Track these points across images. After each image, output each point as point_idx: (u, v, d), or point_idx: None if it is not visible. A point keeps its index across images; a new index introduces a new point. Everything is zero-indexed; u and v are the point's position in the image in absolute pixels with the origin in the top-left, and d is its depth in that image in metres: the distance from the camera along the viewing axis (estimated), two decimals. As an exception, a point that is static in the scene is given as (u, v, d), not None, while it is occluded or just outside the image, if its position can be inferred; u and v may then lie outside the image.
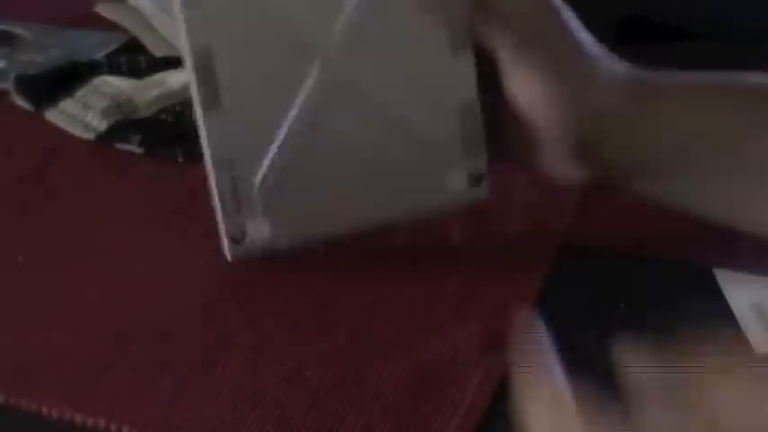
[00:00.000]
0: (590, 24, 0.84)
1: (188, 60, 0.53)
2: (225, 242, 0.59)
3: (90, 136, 0.84)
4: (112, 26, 1.00)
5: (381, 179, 0.55)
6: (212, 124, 0.53)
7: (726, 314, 0.65)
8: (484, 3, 0.54)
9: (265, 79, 0.53)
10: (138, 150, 0.82)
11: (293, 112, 0.53)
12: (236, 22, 0.53)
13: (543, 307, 0.66)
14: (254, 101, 0.53)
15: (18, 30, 1.00)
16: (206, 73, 0.52)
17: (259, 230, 0.55)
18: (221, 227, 0.59)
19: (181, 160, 0.80)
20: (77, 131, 0.85)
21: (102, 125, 0.84)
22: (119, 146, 0.83)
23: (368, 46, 0.55)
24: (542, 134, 0.55)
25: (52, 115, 0.87)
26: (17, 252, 0.70)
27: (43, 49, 0.96)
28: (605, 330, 0.64)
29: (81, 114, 0.85)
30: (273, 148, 0.54)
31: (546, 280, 0.68)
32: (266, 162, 0.54)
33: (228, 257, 0.60)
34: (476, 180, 0.54)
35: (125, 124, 0.84)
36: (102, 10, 1.03)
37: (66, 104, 0.87)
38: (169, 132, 0.83)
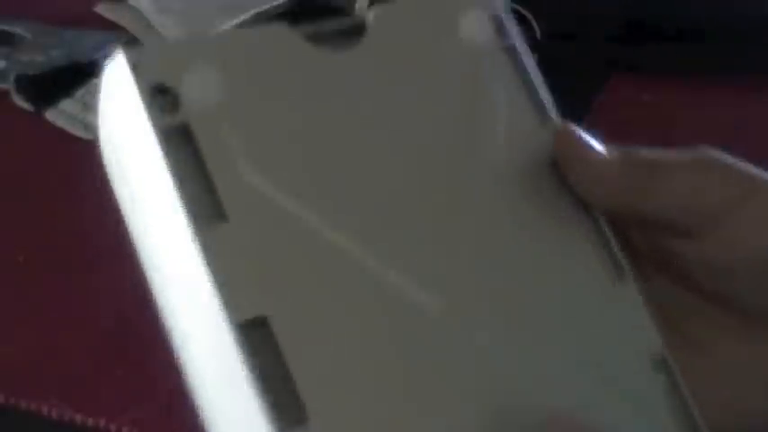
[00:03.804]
0: (595, 26, 0.84)
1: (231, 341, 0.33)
2: None
3: (90, 136, 0.84)
4: (112, 26, 1.00)
5: None
6: None
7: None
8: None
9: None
10: (138, 150, 0.82)
11: None
12: (296, 283, 0.34)
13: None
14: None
15: (18, 30, 1.00)
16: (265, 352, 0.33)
17: None
18: None
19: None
20: (77, 131, 0.84)
21: (102, 125, 0.84)
22: (119, 146, 0.83)
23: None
24: None
25: (52, 115, 0.87)
26: (17, 252, 0.70)
27: (43, 49, 0.96)
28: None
29: (81, 114, 0.85)
30: None
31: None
32: None
33: None
34: None
35: (125, 124, 0.84)
36: (102, 10, 1.03)
37: (66, 104, 0.87)
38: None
